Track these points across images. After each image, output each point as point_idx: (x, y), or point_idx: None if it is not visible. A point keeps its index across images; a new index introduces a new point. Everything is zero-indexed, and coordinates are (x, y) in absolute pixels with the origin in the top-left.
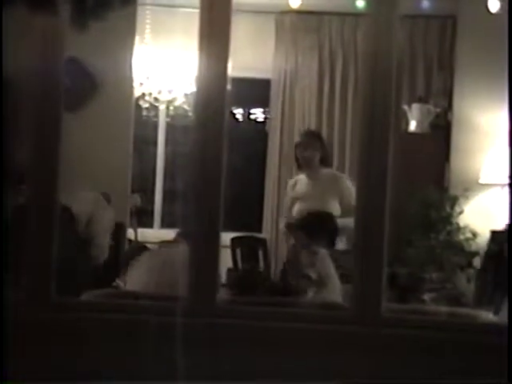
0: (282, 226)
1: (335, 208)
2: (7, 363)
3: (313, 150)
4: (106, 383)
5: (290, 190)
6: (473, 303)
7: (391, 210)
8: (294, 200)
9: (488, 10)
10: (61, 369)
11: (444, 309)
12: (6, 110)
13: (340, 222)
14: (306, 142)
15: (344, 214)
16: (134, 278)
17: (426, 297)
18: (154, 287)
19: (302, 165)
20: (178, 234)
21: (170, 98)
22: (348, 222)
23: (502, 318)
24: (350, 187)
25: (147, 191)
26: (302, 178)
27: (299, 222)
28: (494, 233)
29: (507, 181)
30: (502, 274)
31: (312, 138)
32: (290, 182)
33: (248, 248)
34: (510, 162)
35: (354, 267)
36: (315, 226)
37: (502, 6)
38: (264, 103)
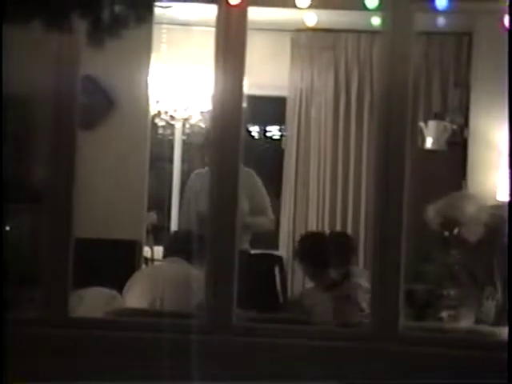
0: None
1: (243, 206)
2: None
3: None
4: (106, 383)
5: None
6: (492, 320)
7: (408, 227)
8: (194, 197)
9: (504, 27)
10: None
11: (462, 326)
12: (21, 129)
13: (250, 220)
14: None
15: (254, 213)
16: (134, 295)
17: (444, 314)
18: (155, 303)
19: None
20: (170, 251)
21: (185, 115)
22: (259, 220)
23: None
24: (260, 185)
25: (163, 209)
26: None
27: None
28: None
29: None
30: None
31: None
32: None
33: (264, 265)
34: (510, 177)
35: (372, 284)
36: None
37: None
38: (280, 121)
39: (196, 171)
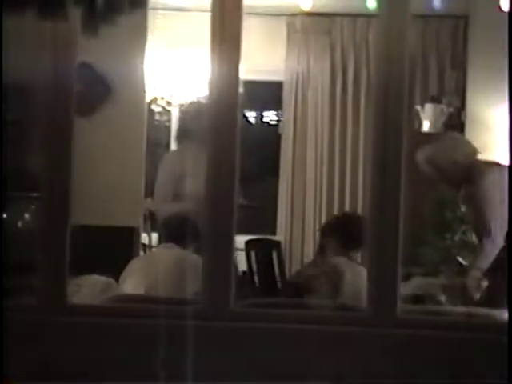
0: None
1: None
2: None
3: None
4: (106, 383)
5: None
6: (488, 302)
7: (405, 210)
8: (176, 179)
9: (500, 9)
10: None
11: (460, 309)
12: (18, 117)
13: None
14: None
15: None
16: (131, 282)
17: (442, 297)
18: (152, 290)
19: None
20: (164, 236)
21: (182, 101)
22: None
23: None
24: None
25: None
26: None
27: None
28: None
29: None
30: None
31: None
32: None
33: (262, 251)
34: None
35: (369, 268)
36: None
37: None
38: (277, 105)
39: (170, 152)
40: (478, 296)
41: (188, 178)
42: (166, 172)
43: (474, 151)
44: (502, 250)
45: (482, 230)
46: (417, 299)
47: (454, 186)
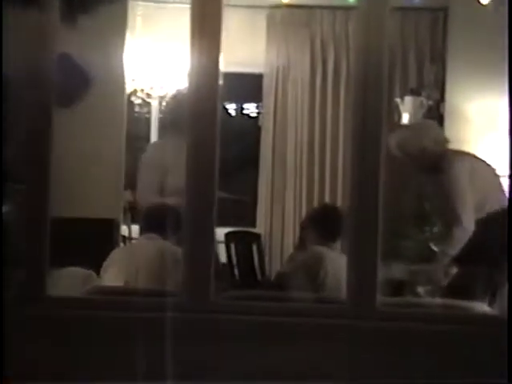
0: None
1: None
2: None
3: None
4: (106, 383)
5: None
6: (456, 289)
7: (385, 203)
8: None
9: (479, 2)
10: (52, 366)
11: (438, 301)
12: None
13: None
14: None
15: None
16: (111, 274)
17: (421, 289)
18: (133, 282)
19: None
20: (145, 227)
21: (162, 93)
22: None
23: (496, 308)
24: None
25: None
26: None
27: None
28: (478, 222)
29: (500, 172)
30: (493, 264)
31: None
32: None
33: (242, 243)
34: (510, 154)
35: (348, 261)
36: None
37: None
38: (257, 98)
39: (152, 142)
40: (445, 282)
41: (170, 169)
42: (149, 163)
43: (444, 140)
44: (472, 237)
45: (452, 217)
46: (393, 285)
47: (422, 173)
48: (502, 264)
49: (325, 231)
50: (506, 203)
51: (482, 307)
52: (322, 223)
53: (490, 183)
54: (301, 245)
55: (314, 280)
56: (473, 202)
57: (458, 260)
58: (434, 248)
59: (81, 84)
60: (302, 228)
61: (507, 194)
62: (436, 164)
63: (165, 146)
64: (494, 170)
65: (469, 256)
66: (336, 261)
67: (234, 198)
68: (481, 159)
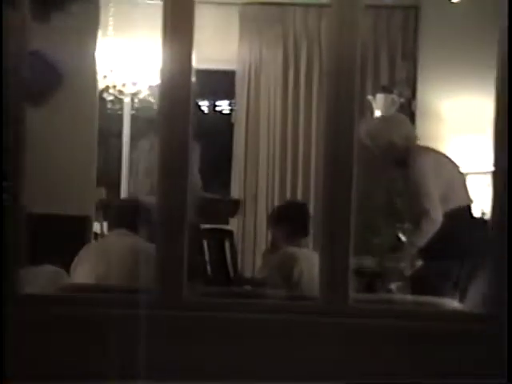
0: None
1: (196, 181)
2: None
3: None
4: (106, 383)
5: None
6: (420, 280)
7: (357, 199)
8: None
9: (450, 0)
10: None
11: (410, 297)
12: None
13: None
14: None
15: None
16: (82, 271)
17: (393, 286)
18: (104, 278)
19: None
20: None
21: (134, 90)
22: None
23: (466, 305)
24: None
25: (113, 184)
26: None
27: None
28: (447, 216)
29: (471, 169)
30: (458, 258)
31: None
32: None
33: (215, 240)
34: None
35: (320, 257)
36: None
37: None
38: (229, 95)
39: (142, 140)
40: (409, 272)
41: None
42: (141, 161)
43: (414, 136)
44: (438, 230)
45: (419, 210)
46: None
47: (392, 168)
48: (468, 258)
49: (292, 228)
50: (469, 202)
51: (452, 303)
52: (289, 220)
53: (454, 178)
54: (273, 244)
55: (288, 280)
56: (438, 194)
57: (425, 253)
58: (403, 238)
59: (52, 81)
60: (270, 225)
61: (469, 193)
62: (403, 159)
63: (147, 144)
64: (458, 166)
65: (434, 249)
66: (309, 259)
67: (207, 195)
68: (445, 155)
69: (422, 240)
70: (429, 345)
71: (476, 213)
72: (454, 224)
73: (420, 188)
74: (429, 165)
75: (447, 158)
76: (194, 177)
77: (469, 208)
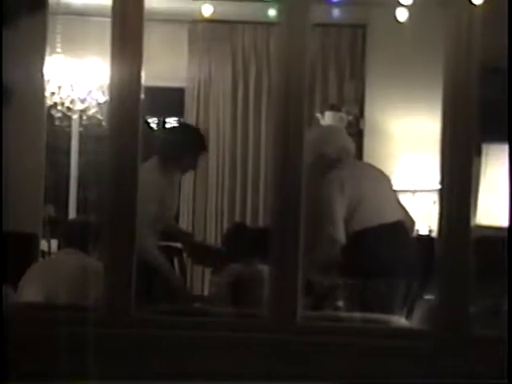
0: None
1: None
2: None
3: None
4: (107, 383)
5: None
6: (384, 309)
7: (306, 217)
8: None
9: (397, 20)
10: None
11: (357, 315)
12: None
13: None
14: None
15: None
16: (29, 290)
17: (341, 303)
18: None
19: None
20: (65, 241)
21: (82, 107)
22: None
23: (412, 322)
24: None
25: (61, 201)
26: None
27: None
28: (370, 234)
29: (418, 187)
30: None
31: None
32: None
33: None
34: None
35: (270, 275)
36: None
37: (409, 16)
38: (179, 112)
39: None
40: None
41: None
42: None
43: (348, 149)
44: (341, 250)
45: (325, 226)
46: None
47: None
48: (412, 275)
49: (241, 248)
50: (402, 217)
51: (399, 320)
52: (237, 241)
53: (378, 195)
54: (221, 262)
55: (237, 298)
56: (344, 212)
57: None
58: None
59: None
60: (222, 245)
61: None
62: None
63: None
64: (388, 180)
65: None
66: (256, 277)
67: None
68: (373, 169)
69: (322, 258)
70: (376, 360)
71: (422, 229)
72: (382, 241)
73: (323, 208)
74: (334, 185)
75: (377, 173)
76: (170, 209)
77: (401, 224)
